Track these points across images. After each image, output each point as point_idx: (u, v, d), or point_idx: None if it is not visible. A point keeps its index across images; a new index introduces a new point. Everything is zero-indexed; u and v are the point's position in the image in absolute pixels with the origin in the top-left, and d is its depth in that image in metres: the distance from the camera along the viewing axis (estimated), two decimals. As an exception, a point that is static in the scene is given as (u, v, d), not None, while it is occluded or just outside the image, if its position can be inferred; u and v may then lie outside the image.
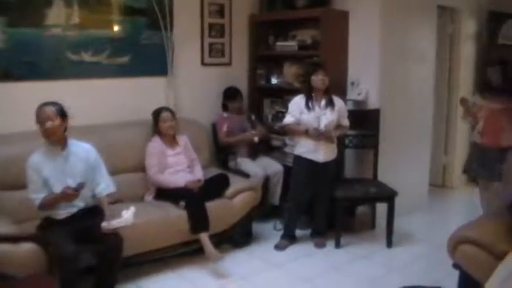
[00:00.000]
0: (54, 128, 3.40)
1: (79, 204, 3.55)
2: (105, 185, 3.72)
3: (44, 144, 3.49)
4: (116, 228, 3.46)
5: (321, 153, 4.42)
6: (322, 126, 4.35)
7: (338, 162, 4.74)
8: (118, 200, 3.94)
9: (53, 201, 3.42)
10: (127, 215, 3.52)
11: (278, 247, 4.54)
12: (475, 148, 4.72)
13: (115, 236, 3.47)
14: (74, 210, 3.53)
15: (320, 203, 4.62)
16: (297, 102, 4.46)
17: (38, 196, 3.41)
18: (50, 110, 3.40)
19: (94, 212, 3.62)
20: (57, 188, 3.42)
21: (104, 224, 3.44)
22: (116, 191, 3.81)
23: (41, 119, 3.39)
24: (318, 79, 4.35)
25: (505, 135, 4.43)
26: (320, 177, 4.49)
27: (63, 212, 3.49)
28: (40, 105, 3.42)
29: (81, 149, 3.64)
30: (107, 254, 3.46)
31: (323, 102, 4.42)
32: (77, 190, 3.38)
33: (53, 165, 3.47)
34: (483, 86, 4.98)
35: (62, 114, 3.45)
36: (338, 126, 4.49)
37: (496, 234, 3.23)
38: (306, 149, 4.43)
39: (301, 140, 4.46)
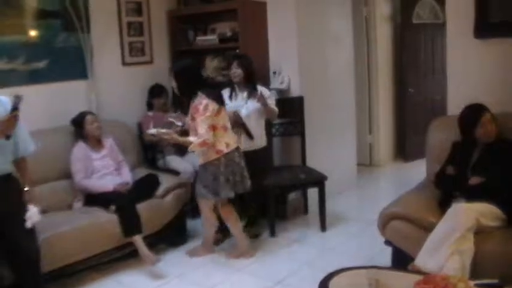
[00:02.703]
0: None
1: None
2: (25, 145, 3.26)
3: None
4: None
5: (242, 142, 4.40)
6: (242, 115, 4.40)
7: (266, 151, 4.78)
8: (44, 210, 3.81)
9: None
10: (31, 212, 3.16)
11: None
12: None
13: (29, 246, 3.20)
14: None
15: (250, 193, 4.61)
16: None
17: None
18: None
19: (9, 186, 3.16)
20: None
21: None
22: (36, 148, 3.38)
23: None
24: (232, 72, 4.42)
25: None
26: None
27: None
28: None
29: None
30: (23, 270, 3.21)
31: (245, 93, 4.47)
32: (14, 109, 2.92)
33: None
34: None
35: None
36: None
37: (424, 208, 3.40)
38: None
39: None
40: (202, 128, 3.87)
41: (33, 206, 3.17)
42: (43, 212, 3.56)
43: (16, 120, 2.97)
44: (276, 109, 4.54)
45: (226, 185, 4.05)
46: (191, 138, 3.96)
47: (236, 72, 4.41)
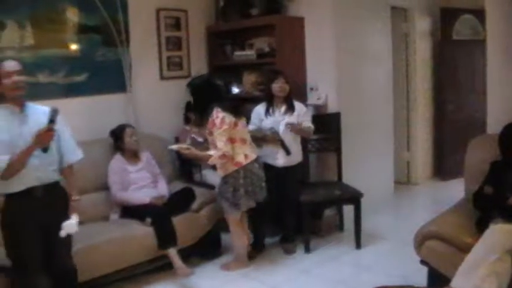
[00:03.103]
0: (23, 82, 3.09)
1: (38, 174, 3.10)
2: (70, 153, 3.35)
3: (2, 107, 3.12)
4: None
5: (279, 158, 4.45)
6: (280, 130, 4.39)
7: (303, 167, 4.76)
8: (81, 221, 3.86)
9: (21, 155, 2.98)
10: (69, 222, 3.17)
11: (248, 256, 4.51)
12: None
13: (66, 262, 3.27)
14: (32, 183, 3.09)
15: (287, 209, 4.63)
16: (257, 111, 4.52)
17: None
18: (15, 64, 3.10)
19: (55, 196, 3.22)
20: (15, 152, 3.00)
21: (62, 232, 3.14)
22: (84, 157, 3.46)
23: (7, 72, 3.05)
24: (278, 86, 4.40)
25: None
26: (283, 183, 4.49)
27: (19, 184, 3.06)
28: (2, 62, 3.12)
29: (42, 112, 3.17)
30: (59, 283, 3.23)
31: (283, 108, 4.47)
32: (51, 122, 2.97)
33: (10, 127, 3.07)
34: None
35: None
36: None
37: (460, 228, 3.33)
38: (264, 153, 4.45)
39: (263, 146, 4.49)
40: (220, 141, 3.96)
41: (74, 216, 3.21)
42: (80, 223, 3.61)
43: (52, 133, 3.03)
44: (311, 126, 4.55)
45: (246, 196, 4.10)
46: (211, 152, 4.02)
47: (283, 86, 4.41)
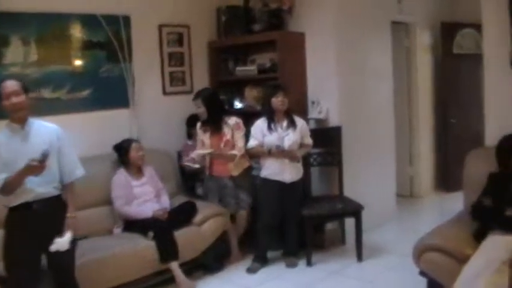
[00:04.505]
0: (23, 103, 3.16)
1: (38, 189, 3.20)
2: (71, 171, 3.42)
3: (6, 125, 3.25)
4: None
5: (287, 173, 4.48)
6: (286, 146, 4.42)
7: (304, 181, 4.79)
8: (83, 236, 3.90)
9: (16, 177, 3.09)
10: (62, 239, 3.22)
11: (250, 270, 4.55)
12: None
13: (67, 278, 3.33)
14: (32, 198, 3.19)
15: (290, 223, 4.64)
16: (259, 125, 4.53)
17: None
18: (15, 84, 3.17)
19: (55, 207, 3.31)
20: (15, 170, 3.10)
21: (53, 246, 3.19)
22: (85, 174, 3.54)
23: (5, 93, 3.13)
24: (278, 101, 4.44)
25: None
26: (288, 198, 4.53)
27: (18, 198, 3.18)
28: (2, 81, 3.21)
29: (45, 130, 3.32)
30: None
31: (285, 123, 4.50)
32: (41, 161, 3.05)
33: (12, 145, 3.18)
34: None
35: (25, 89, 3.23)
36: (301, 145, 4.56)
37: (459, 240, 3.33)
38: (272, 170, 4.49)
39: (267, 162, 4.52)
40: (242, 141, 4.59)
41: (68, 233, 3.25)
42: (84, 237, 3.67)
43: (43, 168, 3.09)
44: (310, 143, 4.65)
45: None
46: (234, 152, 4.59)
47: (284, 101, 4.45)
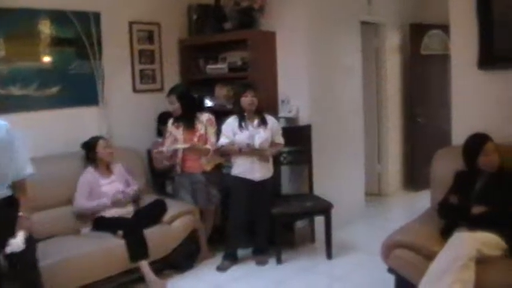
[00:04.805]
0: None
1: None
2: (20, 169, 3.26)
3: None
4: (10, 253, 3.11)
5: (257, 172, 4.50)
6: (256, 145, 4.43)
7: (275, 180, 4.81)
8: (51, 234, 3.84)
9: None
10: (15, 240, 3.10)
11: (220, 268, 4.55)
12: None
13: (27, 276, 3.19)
14: None
15: (260, 221, 4.66)
16: (230, 124, 4.54)
17: None
18: None
19: (8, 208, 3.18)
20: None
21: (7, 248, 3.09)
22: (35, 173, 3.35)
23: None
24: (247, 99, 4.45)
25: None
26: (258, 196, 4.54)
27: None
28: None
29: None
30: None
31: (256, 121, 4.51)
32: None
33: None
34: None
35: None
36: (273, 144, 4.58)
37: (427, 237, 3.40)
38: (243, 169, 4.50)
39: (237, 160, 4.53)
40: (214, 137, 4.64)
41: (21, 233, 3.13)
42: (49, 237, 3.57)
43: None
44: (282, 142, 4.68)
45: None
46: (207, 146, 4.63)
47: (253, 100, 4.46)
